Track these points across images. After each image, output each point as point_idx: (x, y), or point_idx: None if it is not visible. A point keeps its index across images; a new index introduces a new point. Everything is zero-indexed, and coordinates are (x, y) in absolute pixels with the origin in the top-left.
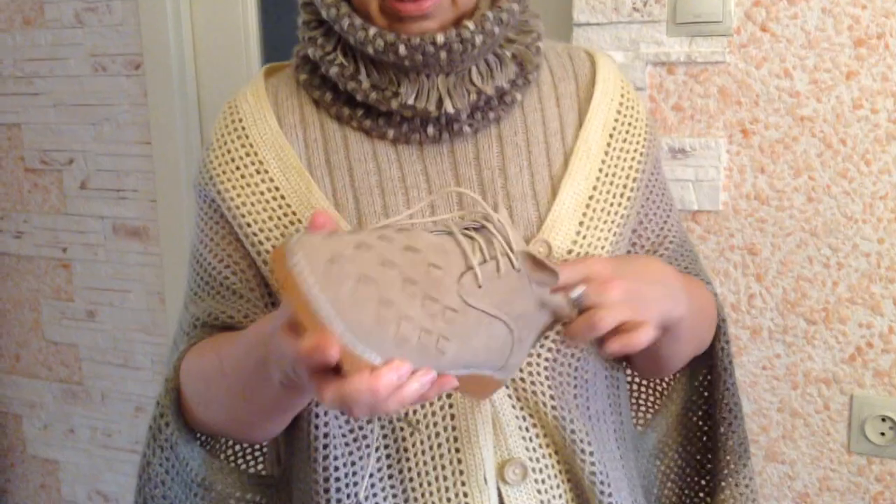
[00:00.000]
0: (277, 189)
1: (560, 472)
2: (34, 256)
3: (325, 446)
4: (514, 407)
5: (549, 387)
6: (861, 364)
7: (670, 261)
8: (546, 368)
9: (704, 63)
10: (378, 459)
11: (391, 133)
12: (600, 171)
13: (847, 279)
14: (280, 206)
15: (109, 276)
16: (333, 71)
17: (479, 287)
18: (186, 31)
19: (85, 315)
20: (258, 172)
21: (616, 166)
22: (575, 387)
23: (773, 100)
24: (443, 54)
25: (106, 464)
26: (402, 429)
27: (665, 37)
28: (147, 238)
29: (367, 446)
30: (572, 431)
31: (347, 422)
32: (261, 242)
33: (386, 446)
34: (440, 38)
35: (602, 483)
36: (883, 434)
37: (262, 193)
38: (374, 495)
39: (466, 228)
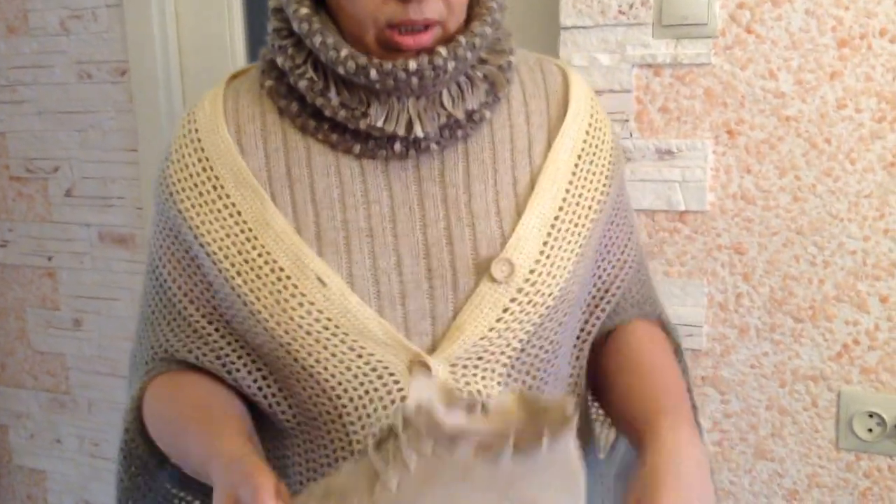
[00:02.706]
0: (234, 205)
1: None
2: (19, 265)
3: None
4: None
5: None
6: (848, 361)
7: (629, 285)
8: (500, 384)
9: (690, 65)
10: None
11: (357, 148)
12: (567, 191)
13: (833, 277)
14: (237, 223)
15: (96, 283)
16: (302, 84)
17: (395, 491)
18: (172, 38)
19: (71, 323)
20: (214, 189)
21: (583, 187)
22: None
23: (759, 100)
24: (414, 80)
25: (94, 473)
26: (358, 441)
27: (651, 39)
28: (134, 245)
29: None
30: None
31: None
32: (220, 261)
33: (344, 458)
34: (412, 65)
35: None
36: (870, 430)
37: (219, 211)
38: None
39: (387, 435)
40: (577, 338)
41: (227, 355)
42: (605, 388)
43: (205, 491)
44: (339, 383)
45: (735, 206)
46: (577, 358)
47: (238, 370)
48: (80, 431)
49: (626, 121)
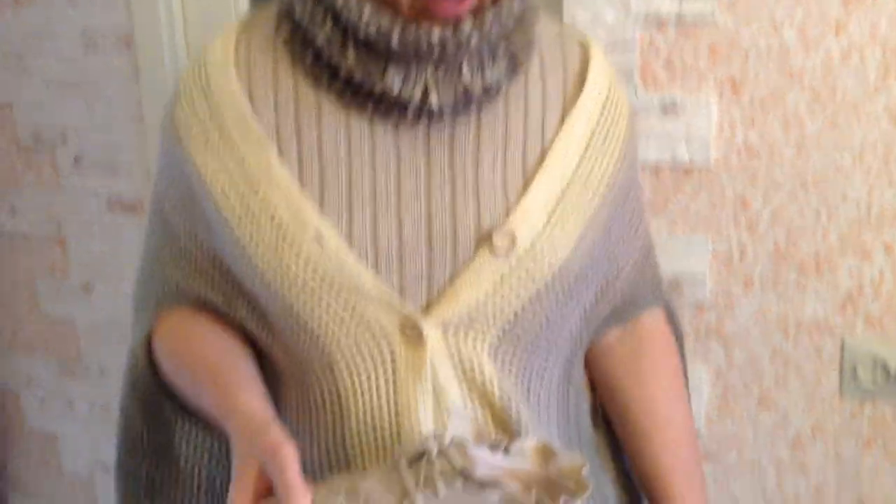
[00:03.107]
0: (240, 153)
1: None
2: (29, 235)
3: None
4: (460, 387)
5: (493, 369)
6: (852, 311)
7: (643, 266)
8: (489, 354)
9: (694, 20)
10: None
11: (369, 108)
12: (577, 167)
13: (837, 228)
14: (241, 172)
15: (105, 251)
16: (320, 40)
17: None
18: (177, 8)
19: (81, 290)
20: (221, 136)
21: (593, 164)
22: (520, 374)
23: (763, 55)
24: (436, 50)
25: (106, 436)
26: (347, 398)
27: None
28: (143, 212)
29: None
30: (518, 421)
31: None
32: (222, 208)
33: (332, 411)
34: (435, 36)
35: None
36: (874, 379)
37: (224, 157)
38: (319, 455)
39: (420, 455)
40: (585, 313)
41: (230, 297)
42: (611, 393)
43: (206, 423)
44: (332, 334)
45: (739, 160)
46: (581, 337)
47: (240, 312)
48: (92, 396)
49: (631, 76)
